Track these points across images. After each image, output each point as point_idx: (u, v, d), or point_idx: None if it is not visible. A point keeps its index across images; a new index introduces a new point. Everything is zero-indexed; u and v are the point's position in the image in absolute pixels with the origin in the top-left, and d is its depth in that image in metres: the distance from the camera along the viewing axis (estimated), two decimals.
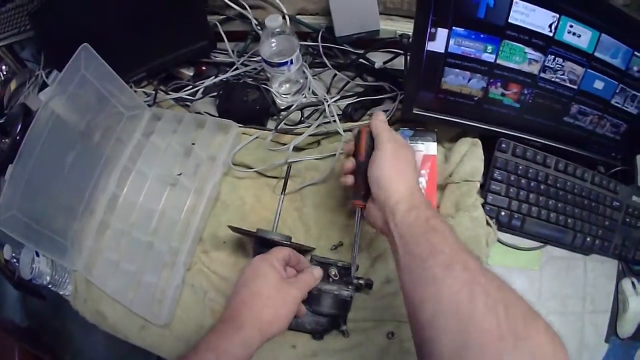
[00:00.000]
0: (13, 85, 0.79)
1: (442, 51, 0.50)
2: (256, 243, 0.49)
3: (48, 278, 0.57)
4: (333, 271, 0.47)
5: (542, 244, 0.56)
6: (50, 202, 0.55)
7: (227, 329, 0.38)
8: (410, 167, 0.41)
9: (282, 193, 0.52)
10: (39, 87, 0.68)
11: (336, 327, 0.49)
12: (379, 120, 0.44)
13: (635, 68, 0.53)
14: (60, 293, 0.60)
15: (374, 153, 0.42)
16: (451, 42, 0.49)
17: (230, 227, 0.49)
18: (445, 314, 0.30)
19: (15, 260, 0.59)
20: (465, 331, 0.28)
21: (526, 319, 0.29)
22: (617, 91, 0.54)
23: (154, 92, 0.64)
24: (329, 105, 0.56)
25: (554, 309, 0.55)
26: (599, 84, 0.54)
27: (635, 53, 0.52)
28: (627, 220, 0.60)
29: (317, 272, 0.45)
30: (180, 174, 0.57)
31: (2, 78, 0.80)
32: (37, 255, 0.56)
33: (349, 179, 0.45)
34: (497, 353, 0.27)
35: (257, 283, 0.40)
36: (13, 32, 0.75)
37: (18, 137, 0.62)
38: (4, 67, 0.81)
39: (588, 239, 0.57)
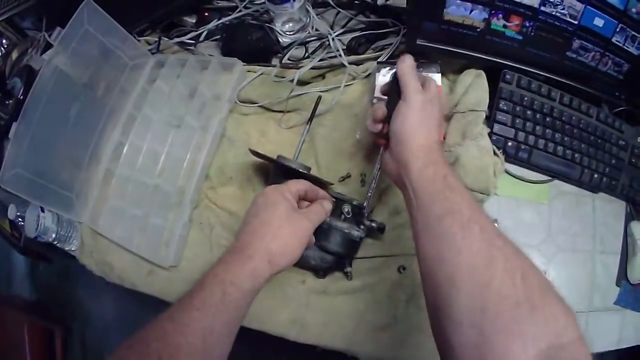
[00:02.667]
0: (15, 54, 0.80)
1: None
2: (275, 172, 0.49)
3: (53, 235, 0.58)
4: (346, 208, 0.47)
5: (550, 178, 0.58)
6: (55, 156, 0.57)
7: (235, 260, 0.37)
8: (435, 123, 0.41)
9: (308, 122, 0.53)
10: (41, 51, 0.70)
11: (340, 267, 0.49)
12: (406, 65, 0.42)
13: (633, 10, 0.55)
14: (66, 249, 0.61)
15: (400, 104, 0.41)
16: None
17: (250, 150, 0.50)
18: (463, 276, 0.30)
19: (20, 219, 0.60)
20: (483, 294, 0.29)
21: (542, 289, 0.29)
22: (617, 30, 0.57)
23: (157, 39, 0.66)
24: (333, 39, 0.58)
25: (565, 245, 0.56)
26: (598, 21, 0.56)
27: None
28: (633, 160, 0.62)
29: (327, 204, 0.45)
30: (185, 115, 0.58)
31: (4, 51, 0.82)
32: (42, 211, 0.57)
33: (377, 127, 0.44)
34: (512, 319, 0.27)
35: (268, 212, 0.40)
36: (13, 4, 0.77)
37: (21, 97, 0.63)
38: (4, 41, 0.83)
39: (595, 176, 0.59)
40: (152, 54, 0.67)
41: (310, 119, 0.53)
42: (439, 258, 0.32)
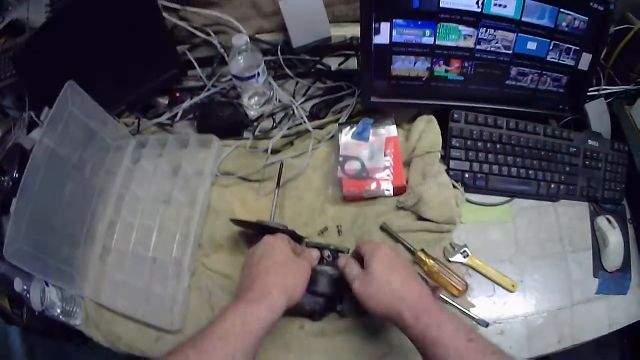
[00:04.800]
0: None
1: (388, 42, 0.62)
2: (257, 235, 0.58)
3: (59, 310, 0.63)
4: (327, 253, 0.56)
5: (509, 198, 0.67)
6: (54, 233, 0.62)
7: (254, 297, 0.43)
8: (413, 274, 0.48)
9: (277, 187, 0.62)
10: (26, 129, 0.78)
11: (333, 307, 0.57)
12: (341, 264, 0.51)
13: (563, 24, 0.64)
14: (72, 323, 0.65)
15: (370, 265, 0.47)
16: (394, 32, 0.61)
17: (232, 220, 0.59)
18: None
19: (26, 292, 0.63)
20: None
21: None
22: (551, 47, 0.65)
23: (136, 120, 0.75)
24: (296, 108, 0.67)
25: (535, 253, 0.65)
26: (532, 45, 0.65)
27: (561, 10, 0.62)
28: (587, 162, 0.70)
29: (315, 253, 0.54)
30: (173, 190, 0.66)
31: None
32: (47, 285, 0.62)
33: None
34: None
35: (276, 254, 0.48)
36: None
37: (16, 175, 0.70)
38: None
39: (552, 186, 0.67)
40: (133, 135, 0.75)
41: (278, 184, 0.62)
42: None
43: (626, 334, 0.88)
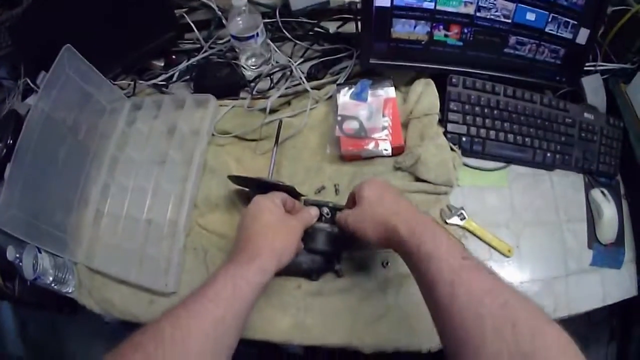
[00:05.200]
0: None
1: (389, 5, 0.62)
2: (255, 191, 0.57)
3: (51, 277, 0.62)
4: (325, 210, 0.55)
5: (506, 164, 0.67)
6: (48, 198, 0.62)
7: (244, 258, 0.43)
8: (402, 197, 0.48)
9: (275, 145, 0.62)
10: (21, 97, 0.77)
11: (331, 267, 0.57)
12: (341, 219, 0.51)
13: None
14: (64, 291, 0.65)
15: (361, 195, 0.48)
16: None
17: (230, 177, 0.59)
18: (458, 344, 0.34)
19: (18, 260, 0.62)
20: (479, 357, 0.32)
21: (534, 335, 0.31)
22: (549, 20, 0.66)
23: (131, 82, 0.74)
24: (295, 68, 0.67)
25: (530, 220, 0.65)
26: (531, 16, 0.66)
27: None
28: (583, 135, 0.71)
29: (314, 210, 0.54)
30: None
31: None
32: (40, 252, 0.61)
33: None
34: None
35: (265, 216, 0.48)
36: None
37: (11, 141, 0.68)
38: None
39: (548, 155, 0.68)
40: (128, 97, 0.75)
41: (276, 142, 0.62)
42: (438, 331, 0.37)
43: (615, 313, 0.89)
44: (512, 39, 0.67)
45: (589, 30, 0.69)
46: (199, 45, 0.75)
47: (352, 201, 0.52)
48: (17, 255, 0.62)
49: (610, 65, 0.78)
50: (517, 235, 0.63)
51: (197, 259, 0.62)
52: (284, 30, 0.72)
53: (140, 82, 0.75)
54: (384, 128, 0.62)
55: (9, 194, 0.55)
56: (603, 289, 0.64)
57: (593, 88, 0.76)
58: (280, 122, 0.63)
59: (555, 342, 0.31)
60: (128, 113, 0.73)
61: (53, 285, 0.64)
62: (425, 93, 0.65)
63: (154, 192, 0.66)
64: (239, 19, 0.66)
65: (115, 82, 0.76)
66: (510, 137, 0.67)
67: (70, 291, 0.65)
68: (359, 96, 0.64)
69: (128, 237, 0.64)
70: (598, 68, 0.78)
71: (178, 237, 0.61)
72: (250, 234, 0.46)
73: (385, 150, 0.61)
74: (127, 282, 0.62)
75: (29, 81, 0.74)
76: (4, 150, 0.68)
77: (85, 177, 0.68)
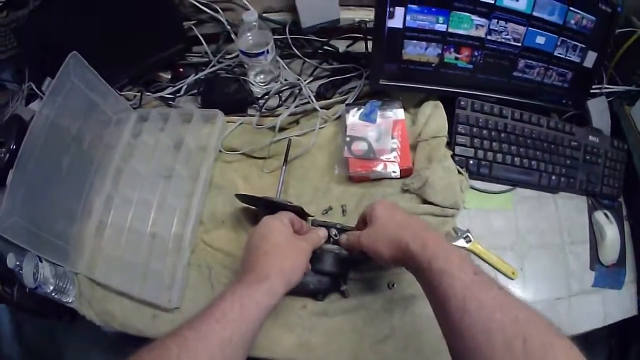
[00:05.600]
0: None
1: (401, 27, 0.62)
2: (263, 211, 0.57)
3: (51, 287, 0.61)
4: (333, 232, 0.55)
5: (511, 187, 0.68)
6: (50, 207, 0.61)
7: (252, 279, 0.43)
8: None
9: (284, 164, 0.62)
10: (25, 102, 0.76)
11: (337, 287, 0.57)
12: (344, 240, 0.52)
13: (572, 21, 0.65)
14: (64, 301, 0.64)
15: (372, 215, 0.48)
16: (407, 17, 0.61)
17: (237, 195, 0.58)
18: (469, 356, 0.34)
19: (19, 268, 0.61)
20: None
21: (545, 349, 0.31)
22: (558, 44, 0.67)
23: (138, 93, 0.74)
24: (304, 86, 0.67)
25: (535, 242, 0.65)
26: (540, 39, 0.66)
27: (570, 8, 0.64)
28: (587, 157, 0.72)
29: (322, 232, 0.53)
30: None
31: None
32: (41, 261, 0.60)
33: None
34: None
35: (275, 236, 0.47)
36: None
37: (14, 147, 0.67)
38: None
39: (553, 178, 0.68)
40: (134, 108, 0.74)
41: (285, 161, 0.62)
42: (449, 345, 0.37)
43: (614, 333, 0.90)
44: (522, 63, 0.68)
45: (596, 54, 0.70)
46: (207, 59, 0.75)
47: (363, 222, 0.51)
48: (18, 263, 0.61)
49: (615, 88, 0.78)
50: (521, 258, 0.64)
51: (202, 275, 0.61)
52: (293, 48, 0.72)
53: (147, 94, 0.74)
54: (392, 150, 0.62)
55: (10, 201, 0.54)
56: (604, 309, 0.64)
57: (598, 111, 0.76)
58: (290, 141, 0.63)
59: (565, 356, 0.31)
60: (134, 125, 0.72)
61: (53, 294, 0.62)
62: (434, 115, 0.65)
63: (159, 205, 0.65)
64: (249, 34, 0.66)
65: (122, 93, 0.76)
66: (517, 160, 0.67)
67: (70, 301, 0.64)
68: (367, 117, 0.64)
69: (131, 250, 0.63)
70: (603, 90, 0.78)
71: (183, 253, 0.61)
72: (259, 254, 0.46)
73: (394, 172, 0.61)
74: (130, 295, 0.61)
75: (33, 86, 0.72)
76: (7, 156, 0.67)
77: (88, 187, 0.67)
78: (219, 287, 0.60)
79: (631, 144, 0.74)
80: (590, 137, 0.73)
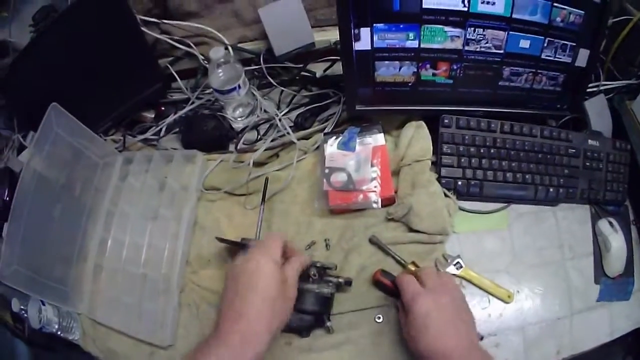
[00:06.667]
0: None
1: (369, 48, 0.57)
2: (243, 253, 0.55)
3: (56, 326, 0.63)
4: (312, 271, 0.52)
5: (506, 204, 0.63)
6: (46, 254, 0.62)
7: (236, 341, 0.39)
8: (453, 323, 0.45)
9: (261, 203, 0.59)
10: (17, 151, 0.76)
11: (321, 324, 0.54)
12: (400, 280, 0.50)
13: (558, 19, 0.58)
14: (70, 338, 0.65)
15: (407, 319, 0.46)
16: (375, 38, 0.57)
17: (217, 238, 0.57)
18: None
19: (23, 311, 0.63)
20: None
21: None
22: (545, 45, 0.60)
23: (122, 137, 0.73)
24: (280, 120, 0.64)
25: (533, 262, 0.61)
26: (524, 43, 0.60)
27: (555, 4, 0.57)
28: (588, 164, 0.66)
29: (305, 257, 0.50)
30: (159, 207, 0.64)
31: None
32: (43, 304, 0.62)
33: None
34: None
35: (265, 282, 0.42)
36: None
37: (7, 199, 0.68)
38: None
39: (551, 190, 0.63)
40: (120, 151, 0.73)
41: (263, 200, 0.59)
42: None
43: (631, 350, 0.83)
44: (506, 71, 0.62)
45: (589, 51, 0.63)
46: (186, 96, 0.73)
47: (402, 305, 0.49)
48: (22, 307, 0.63)
49: (614, 83, 0.72)
50: (518, 279, 0.59)
51: (191, 314, 0.61)
52: (269, 77, 0.69)
53: (131, 136, 0.73)
54: (372, 179, 0.58)
55: (9, 251, 0.56)
56: (610, 322, 0.60)
57: (597, 111, 0.70)
58: (267, 179, 0.60)
59: None
60: (120, 167, 0.71)
61: (59, 333, 0.64)
62: (417, 137, 0.61)
63: (149, 246, 0.65)
64: (219, 70, 0.63)
65: (107, 137, 0.75)
66: (510, 175, 0.62)
67: (76, 338, 0.65)
68: (346, 146, 0.61)
69: (126, 290, 0.64)
70: (601, 88, 0.72)
71: (172, 294, 0.60)
72: (246, 309, 0.41)
73: (375, 203, 0.57)
74: (128, 334, 0.61)
75: (20, 138, 0.73)
76: (2, 208, 0.68)
77: (83, 231, 0.68)
78: (207, 324, 0.59)
79: (634, 141, 0.68)
80: (590, 142, 0.67)
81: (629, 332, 0.60)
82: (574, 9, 0.58)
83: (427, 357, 0.43)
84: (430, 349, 0.43)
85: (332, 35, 0.69)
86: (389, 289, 0.54)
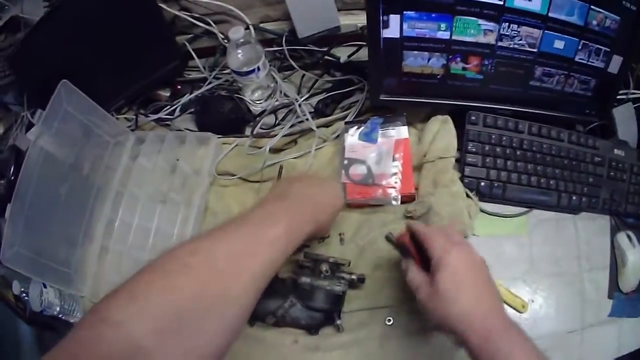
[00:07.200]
0: (0, 129, 0.85)
1: (398, 36, 0.54)
2: None
3: (57, 308, 0.61)
4: (324, 267, 0.50)
5: (527, 209, 0.60)
6: (51, 235, 0.60)
7: (306, 217, 0.42)
8: (487, 284, 0.40)
9: None
10: (25, 128, 0.73)
11: (330, 321, 0.52)
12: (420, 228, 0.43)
13: (594, 22, 0.56)
14: (71, 321, 0.64)
15: (436, 277, 0.39)
16: (404, 26, 0.53)
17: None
18: None
19: (24, 294, 0.63)
20: None
21: None
22: (580, 48, 0.57)
23: (134, 116, 0.69)
24: (299, 105, 0.61)
25: (549, 271, 0.58)
26: (559, 44, 0.57)
27: (592, 7, 0.54)
28: (612, 174, 0.63)
29: None
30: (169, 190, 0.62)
31: None
32: (45, 287, 0.60)
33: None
34: None
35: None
36: None
37: (12, 177, 0.67)
38: None
39: (574, 198, 0.60)
40: (132, 130, 0.70)
41: None
42: None
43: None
44: (539, 70, 0.59)
45: (622, 58, 0.60)
46: (204, 75, 0.69)
47: (425, 256, 0.42)
48: (23, 290, 0.63)
49: None
50: (533, 289, 0.57)
51: None
52: (291, 60, 0.65)
53: (144, 115, 0.69)
54: (393, 174, 0.55)
55: (11, 232, 0.54)
56: (619, 339, 0.57)
57: (624, 119, 0.67)
58: (281, 168, 0.57)
59: None
60: (132, 147, 0.68)
61: (60, 316, 0.63)
62: (442, 132, 0.57)
63: (156, 231, 0.62)
64: (239, 51, 0.60)
65: (119, 115, 0.72)
66: (534, 179, 0.59)
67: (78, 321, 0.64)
68: (368, 137, 0.57)
69: (131, 275, 0.61)
70: (630, 96, 0.69)
71: None
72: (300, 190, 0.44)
73: (394, 199, 0.55)
74: None
75: (29, 115, 0.69)
76: (7, 187, 0.66)
77: (89, 212, 0.65)
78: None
79: None
80: (616, 151, 0.64)
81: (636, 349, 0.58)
82: (610, 14, 0.55)
83: (459, 322, 0.37)
84: (466, 311, 0.38)
85: (359, 19, 0.65)
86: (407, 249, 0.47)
